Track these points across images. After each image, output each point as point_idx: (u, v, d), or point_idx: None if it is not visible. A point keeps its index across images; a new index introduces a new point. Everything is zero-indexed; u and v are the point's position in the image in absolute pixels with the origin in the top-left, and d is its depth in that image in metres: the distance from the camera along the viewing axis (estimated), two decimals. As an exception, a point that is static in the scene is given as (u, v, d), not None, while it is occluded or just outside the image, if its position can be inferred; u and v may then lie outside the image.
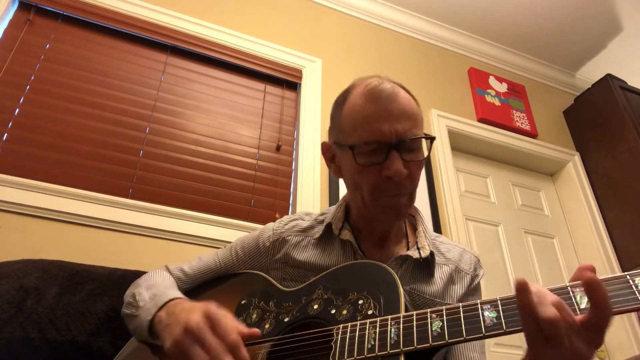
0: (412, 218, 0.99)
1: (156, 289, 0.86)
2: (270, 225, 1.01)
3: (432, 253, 0.88)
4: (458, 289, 0.90)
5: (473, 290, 0.93)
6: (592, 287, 0.51)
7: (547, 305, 0.53)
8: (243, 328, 0.67)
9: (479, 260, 0.98)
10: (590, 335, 0.53)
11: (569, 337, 0.53)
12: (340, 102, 0.90)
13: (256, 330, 0.70)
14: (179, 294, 0.84)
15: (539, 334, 0.53)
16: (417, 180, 0.86)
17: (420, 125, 0.85)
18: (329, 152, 0.95)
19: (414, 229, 0.97)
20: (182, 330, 0.66)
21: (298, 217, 1.01)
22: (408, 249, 0.91)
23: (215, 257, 1.01)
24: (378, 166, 0.81)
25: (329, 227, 0.93)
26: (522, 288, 0.53)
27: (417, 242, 0.91)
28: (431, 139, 0.85)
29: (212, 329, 0.65)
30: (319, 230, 0.95)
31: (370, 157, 0.82)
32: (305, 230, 0.97)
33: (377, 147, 0.81)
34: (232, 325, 0.66)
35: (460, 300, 0.89)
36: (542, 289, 0.56)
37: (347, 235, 0.90)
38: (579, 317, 0.54)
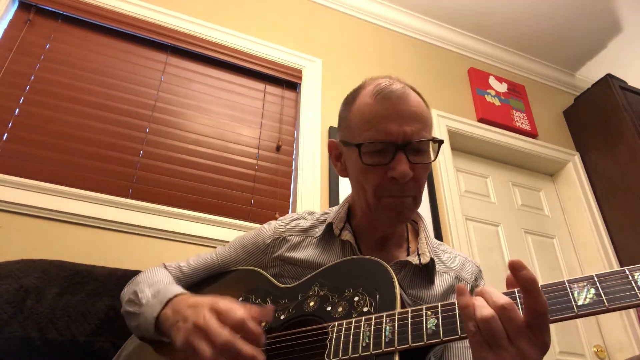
0: (415, 224, 0.99)
1: (158, 286, 0.86)
2: (272, 223, 1.01)
3: (432, 260, 0.87)
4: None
5: None
6: (515, 270, 0.53)
7: (485, 306, 0.54)
8: (253, 310, 0.65)
9: (480, 271, 0.97)
10: (534, 335, 0.53)
11: (510, 338, 0.53)
12: (349, 101, 0.89)
13: (269, 307, 0.71)
14: (182, 290, 0.83)
15: (478, 335, 0.54)
16: (422, 183, 0.85)
17: (429, 128, 0.84)
18: (335, 150, 0.94)
19: (416, 235, 0.96)
20: (191, 327, 0.65)
21: (300, 216, 1.01)
22: (408, 255, 0.91)
23: (214, 254, 1.01)
24: (383, 166, 0.81)
25: (329, 227, 0.93)
26: (460, 292, 0.57)
27: (417, 249, 0.90)
28: (439, 142, 0.84)
29: (219, 319, 0.64)
30: (320, 230, 0.95)
31: (376, 157, 0.81)
32: (306, 230, 0.97)
33: (384, 147, 0.80)
34: (237, 308, 0.64)
35: None
36: (492, 293, 0.56)
37: (347, 235, 0.90)
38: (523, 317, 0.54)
